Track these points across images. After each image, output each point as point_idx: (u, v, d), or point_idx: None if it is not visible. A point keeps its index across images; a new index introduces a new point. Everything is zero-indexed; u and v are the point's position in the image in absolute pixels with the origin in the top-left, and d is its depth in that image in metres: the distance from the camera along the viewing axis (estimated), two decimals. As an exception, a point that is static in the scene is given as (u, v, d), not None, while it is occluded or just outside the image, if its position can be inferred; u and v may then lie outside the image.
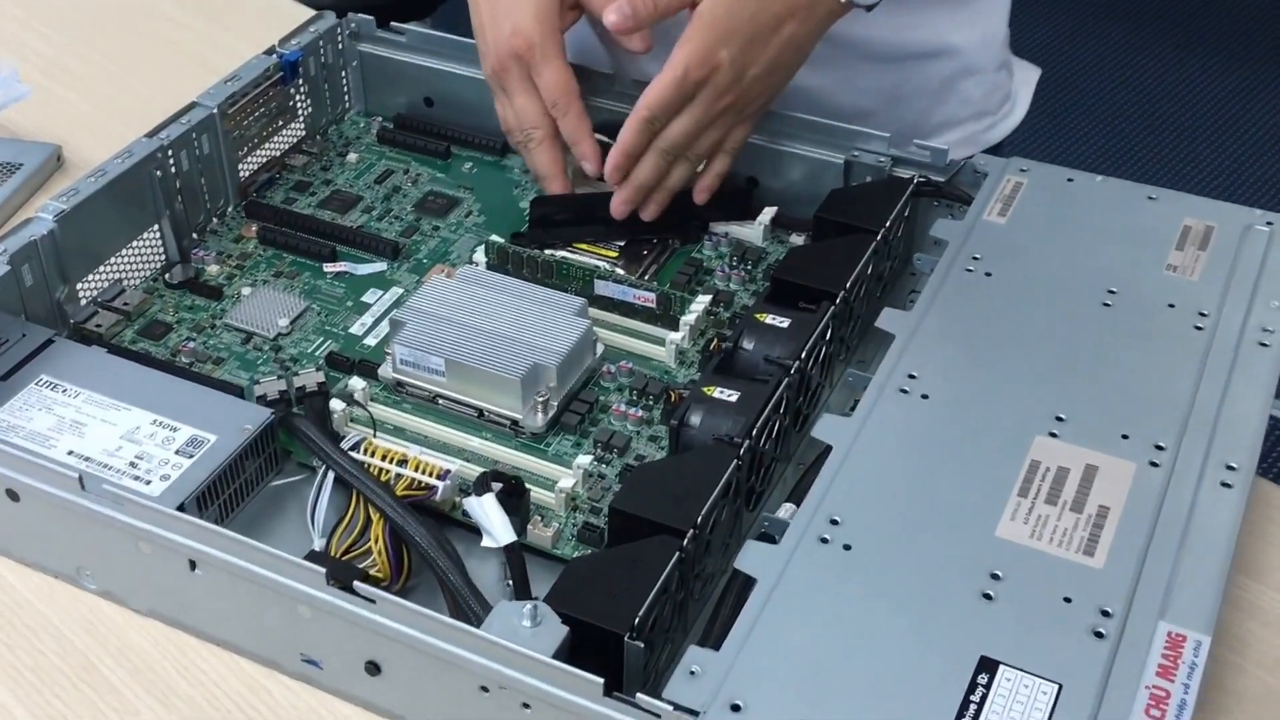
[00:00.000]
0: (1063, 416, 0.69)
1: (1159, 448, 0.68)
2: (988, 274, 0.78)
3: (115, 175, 0.89)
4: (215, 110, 0.95)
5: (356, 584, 0.64)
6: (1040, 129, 2.67)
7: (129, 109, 1.14)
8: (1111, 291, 0.77)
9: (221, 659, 0.72)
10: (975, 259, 0.79)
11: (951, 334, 0.74)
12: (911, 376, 0.72)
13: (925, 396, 0.71)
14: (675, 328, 0.87)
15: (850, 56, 0.98)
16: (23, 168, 1.06)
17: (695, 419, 0.74)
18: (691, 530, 0.66)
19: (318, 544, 0.74)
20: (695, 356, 0.86)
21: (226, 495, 0.77)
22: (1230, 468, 0.67)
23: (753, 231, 0.94)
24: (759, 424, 0.72)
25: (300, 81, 1.03)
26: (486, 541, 0.70)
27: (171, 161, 0.93)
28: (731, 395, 0.74)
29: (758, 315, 0.79)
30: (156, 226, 0.94)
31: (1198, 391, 0.71)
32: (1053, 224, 0.82)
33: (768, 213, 0.95)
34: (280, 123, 1.03)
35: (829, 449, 0.69)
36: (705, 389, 0.75)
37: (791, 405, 0.77)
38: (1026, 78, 1.11)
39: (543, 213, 0.94)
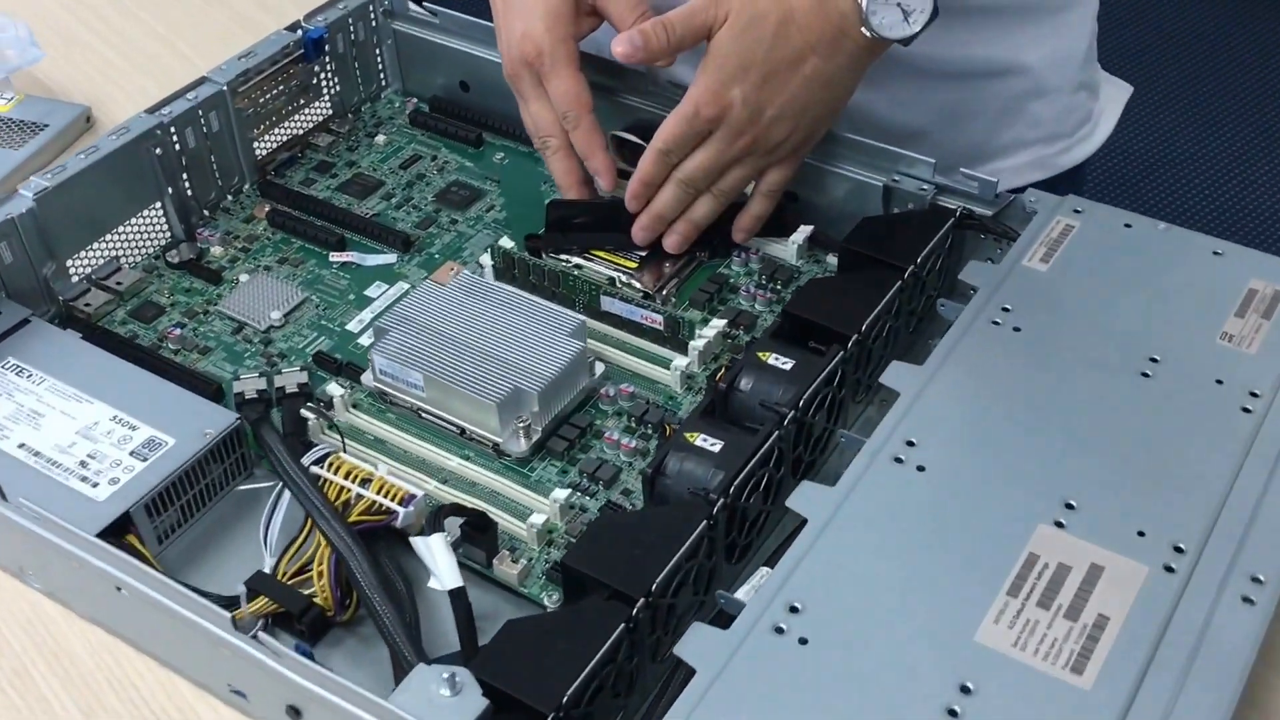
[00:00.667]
0: (1073, 503, 0.62)
1: (1178, 550, 0.60)
2: (1016, 329, 0.71)
3: (107, 152, 0.85)
4: (225, 87, 0.91)
5: (262, 635, 0.59)
6: (1139, 147, 2.39)
7: (172, 71, 1.10)
8: (1154, 360, 0.69)
9: (156, 675, 0.69)
10: (1005, 310, 0.72)
11: (963, 396, 0.67)
12: (910, 444, 0.65)
13: (921, 469, 0.64)
14: (684, 351, 0.80)
15: (904, 73, 0.91)
16: (48, 128, 1.02)
17: (671, 468, 0.68)
18: (643, 599, 0.60)
19: (268, 563, 0.70)
20: (705, 382, 0.80)
21: (184, 501, 0.73)
22: (1257, 580, 0.59)
23: (786, 249, 0.88)
24: (741, 478, 0.66)
25: (326, 59, 0.98)
26: (433, 583, 0.65)
27: (175, 138, 0.89)
28: (715, 444, 0.68)
29: (760, 353, 0.73)
30: (159, 204, 0.90)
31: (1233, 486, 0.63)
32: (1099, 276, 0.74)
33: (804, 231, 0.87)
34: (302, 100, 0.98)
35: (804, 522, 0.62)
36: (688, 434, 0.69)
37: (788, 456, 0.70)
38: (1114, 96, 1.01)
39: (561, 215, 0.88)
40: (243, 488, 0.76)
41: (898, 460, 0.64)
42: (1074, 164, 0.98)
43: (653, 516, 0.65)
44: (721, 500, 0.65)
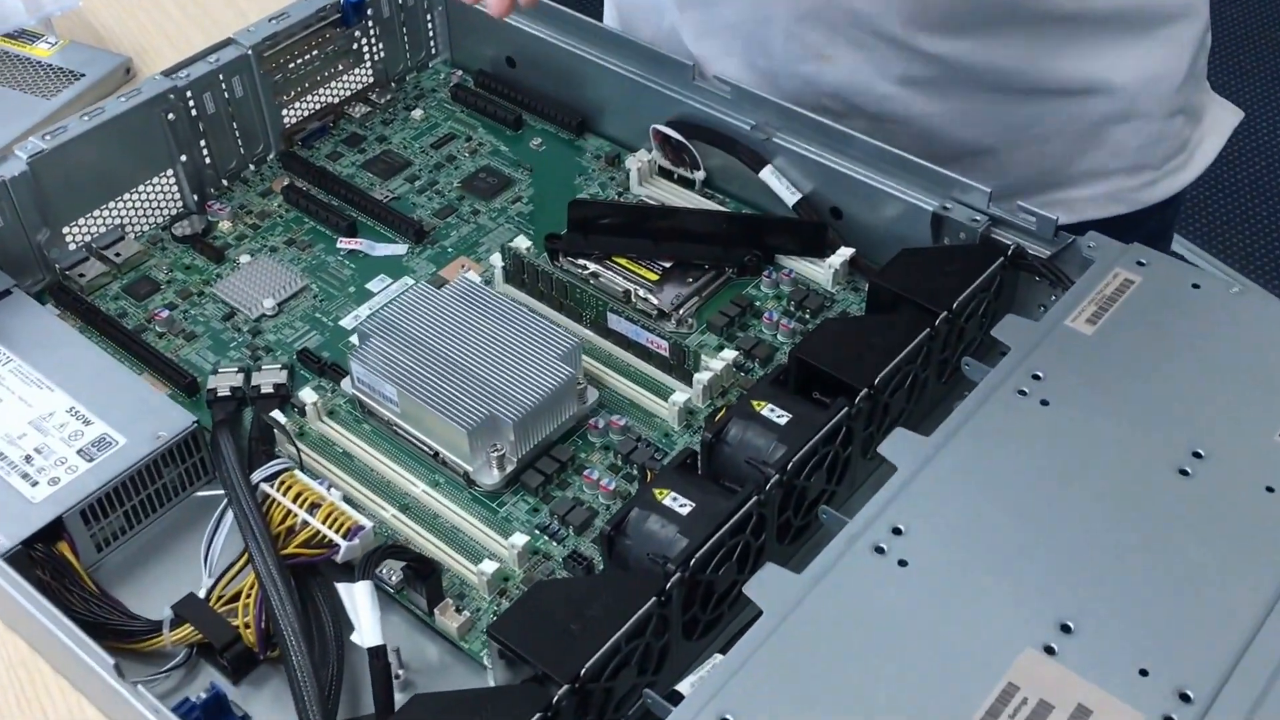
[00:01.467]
0: (1070, 625, 0.53)
1: (1184, 698, 0.51)
2: (1044, 402, 0.62)
3: (113, 115, 0.80)
4: (249, 51, 0.85)
5: (141, 688, 0.54)
6: (1244, 176, 2.11)
7: (225, 25, 1.05)
8: (1197, 455, 0.60)
9: (68, 700, 0.64)
10: (1036, 378, 0.63)
11: (968, 479, 0.59)
12: (896, 531, 0.57)
13: (903, 563, 0.56)
14: (690, 382, 0.73)
15: (971, 85, 0.81)
16: (85, 78, 0.99)
17: (633, 527, 0.61)
18: (568, 685, 0.54)
19: (205, 584, 0.65)
20: (705, 421, 0.72)
21: (128, 507, 0.68)
22: (1272, 743, 0.50)
23: (822, 272, 0.80)
24: (707, 548, 0.59)
25: (369, 23, 0.92)
26: (355, 636, 0.59)
27: (191, 103, 0.84)
28: (685, 505, 0.61)
29: (754, 402, 0.65)
30: (170, 171, 0.85)
31: (1264, 623, 0.53)
32: (1151, 345, 0.64)
33: (844, 253, 0.79)
34: (340, 67, 0.93)
35: (754, 620, 0.55)
36: (657, 491, 0.62)
37: (771, 522, 0.63)
38: (1220, 122, 0.90)
39: (583, 215, 0.81)
40: (203, 494, 0.71)
41: (878, 550, 0.56)
42: (1160, 199, 0.87)
43: (602, 584, 0.59)
44: (679, 574, 0.58)
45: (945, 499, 0.58)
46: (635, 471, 0.70)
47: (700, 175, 0.86)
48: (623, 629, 0.56)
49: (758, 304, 0.79)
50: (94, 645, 0.57)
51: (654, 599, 0.57)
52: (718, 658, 0.57)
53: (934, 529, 0.57)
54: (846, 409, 0.64)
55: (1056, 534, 0.57)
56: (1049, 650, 0.53)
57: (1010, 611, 0.54)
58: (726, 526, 0.60)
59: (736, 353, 0.74)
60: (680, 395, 0.72)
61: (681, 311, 0.78)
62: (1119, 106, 0.82)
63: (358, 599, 0.59)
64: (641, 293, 0.79)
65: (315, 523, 0.65)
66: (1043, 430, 0.61)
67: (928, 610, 0.54)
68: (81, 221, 0.82)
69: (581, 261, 0.81)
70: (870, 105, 0.84)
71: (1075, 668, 0.52)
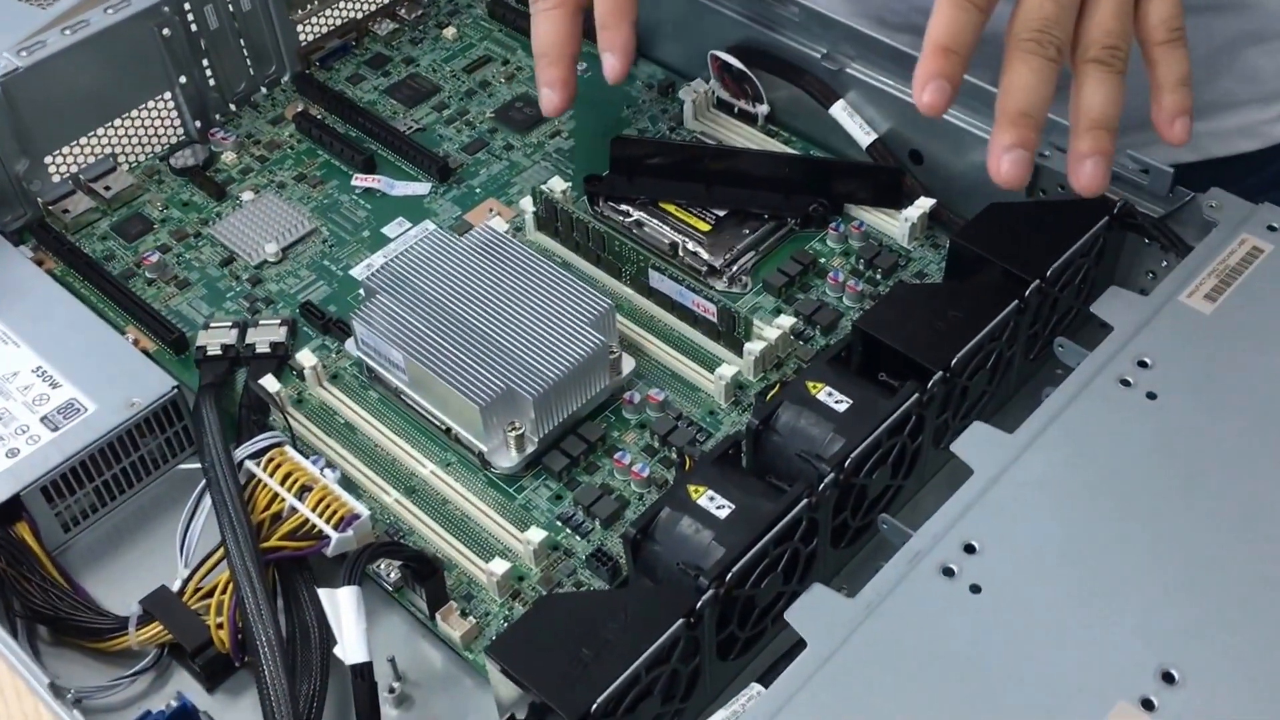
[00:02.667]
0: (1174, 675, 0.44)
1: (1317, 774, 0.42)
2: (1151, 395, 0.52)
3: (98, 30, 0.72)
4: (258, -42, 0.76)
5: (77, 711, 0.47)
6: None
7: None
8: (1339, 465, 0.50)
9: (24, 705, 0.57)
10: (1142, 365, 0.53)
11: (1056, 489, 0.49)
12: (969, 549, 0.48)
13: (976, 589, 0.47)
14: (739, 352, 0.64)
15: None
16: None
17: (663, 531, 0.52)
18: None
19: (180, 576, 0.57)
20: (756, 398, 0.63)
21: (99, 482, 0.61)
22: None
23: (897, 226, 0.70)
24: (748, 560, 0.50)
25: (396, -73, 0.83)
26: (338, 650, 0.51)
27: (190, 17, 0.75)
28: (723, 507, 0.52)
29: (810, 384, 0.56)
30: (168, 94, 0.76)
31: None
32: (1285, 328, 0.54)
33: (924, 204, 0.69)
34: (363, -24, 0.83)
35: (799, 644, 0.46)
36: (692, 488, 0.53)
37: (824, 525, 0.54)
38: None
39: (627, 154, 0.72)
40: (186, 466, 0.64)
41: (947, 572, 0.47)
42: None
43: (621, 600, 0.50)
44: (712, 590, 0.49)
45: (1029, 511, 0.49)
46: (674, 455, 0.61)
47: (763, 109, 0.76)
48: (643, 656, 0.47)
49: (822, 261, 0.69)
50: (28, 659, 0.49)
51: (682, 620, 0.48)
52: (755, 688, 0.49)
53: (1014, 548, 0.48)
54: (917, 395, 0.55)
55: (1163, 560, 0.47)
56: (1147, 705, 0.44)
57: (1103, 655, 0.45)
58: (771, 534, 0.51)
59: (795, 319, 0.65)
60: (728, 368, 0.63)
61: (735, 268, 0.69)
62: (1254, 25, 0.70)
63: (341, 608, 0.51)
64: (690, 245, 0.69)
65: (304, 509, 0.57)
66: (1149, 430, 0.51)
67: (1003, 649, 0.45)
68: (66, 150, 0.74)
69: (624, 207, 0.71)
70: None
71: (1184, 732, 0.43)
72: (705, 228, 0.70)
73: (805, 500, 0.52)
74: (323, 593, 0.52)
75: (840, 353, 0.58)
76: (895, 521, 0.51)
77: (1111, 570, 0.47)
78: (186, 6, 0.74)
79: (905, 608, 0.47)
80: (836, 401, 0.55)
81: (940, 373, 0.55)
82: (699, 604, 0.49)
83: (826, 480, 0.52)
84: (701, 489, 0.53)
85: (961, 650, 0.45)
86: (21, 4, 0.87)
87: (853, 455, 0.53)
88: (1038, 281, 0.58)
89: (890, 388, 0.56)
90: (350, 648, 0.51)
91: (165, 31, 0.74)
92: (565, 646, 0.48)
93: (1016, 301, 0.58)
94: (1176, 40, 0.54)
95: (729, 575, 0.49)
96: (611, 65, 0.65)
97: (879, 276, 0.68)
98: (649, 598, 0.50)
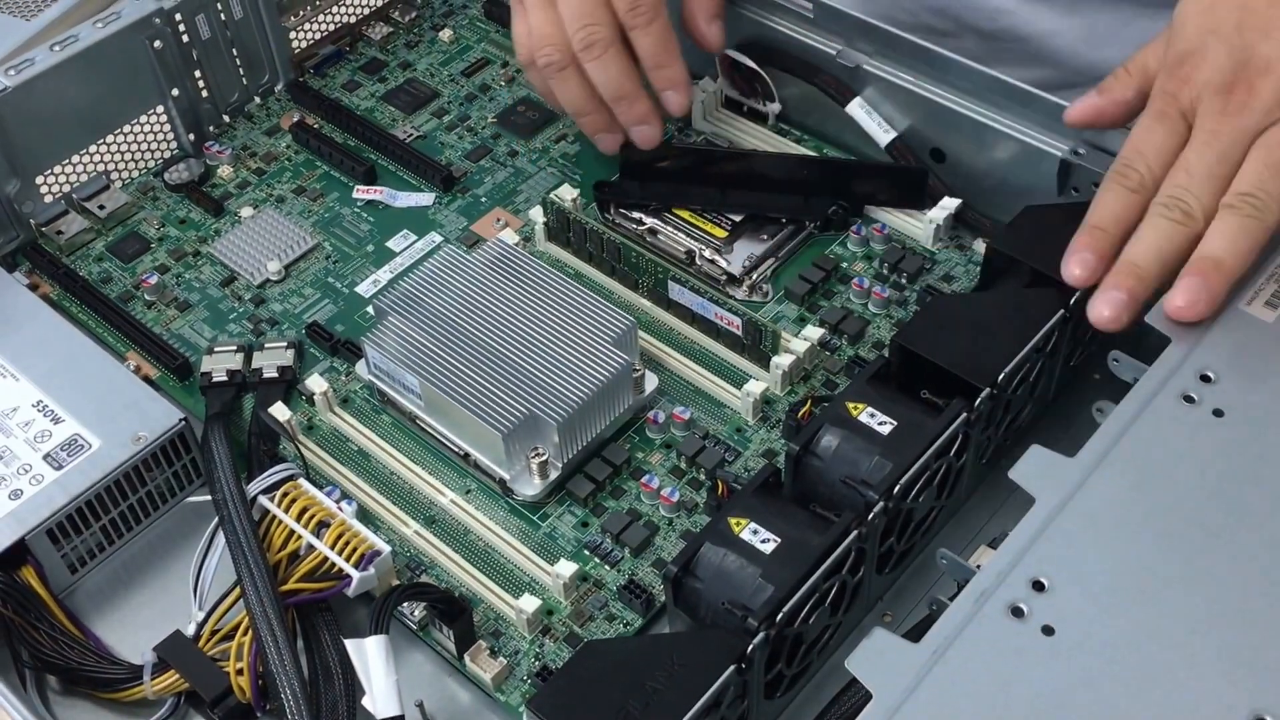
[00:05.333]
0: (1267, 719, 0.42)
1: None
2: (1217, 412, 0.50)
3: (88, 44, 0.69)
4: (248, -35, 0.73)
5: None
6: None
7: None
8: None
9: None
10: (1206, 379, 0.51)
11: (1127, 516, 0.47)
12: (1038, 586, 0.45)
13: (1049, 630, 0.44)
14: (766, 365, 0.62)
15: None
16: (70, -9, 0.87)
17: (706, 567, 0.50)
18: (626, 782, 0.43)
19: (195, 620, 0.55)
20: (784, 414, 0.61)
21: (106, 520, 0.58)
22: None
23: (922, 228, 0.67)
24: (798, 597, 0.48)
25: (388, -73, 0.80)
26: (367, 702, 0.49)
27: (182, 28, 0.72)
28: (768, 540, 0.50)
29: (851, 405, 0.53)
30: (160, 108, 0.73)
31: None
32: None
33: (949, 204, 0.67)
34: (356, -20, 0.80)
35: (849, 687, 0.44)
36: (733, 521, 0.50)
37: (871, 555, 0.52)
38: None
39: (637, 158, 0.69)
40: (196, 499, 0.61)
41: (1016, 613, 0.45)
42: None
43: (666, 646, 0.48)
44: (764, 632, 0.47)
45: (1098, 543, 0.46)
46: (703, 477, 0.59)
47: (775, 108, 0.73)
48: (694, 709, 0.45)
49: (844, 266, 0.67)
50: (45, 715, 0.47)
51: (733, 667, 0.46)
52: (810, 736, 0.47)
53: (1086, 584, 0.45)
54: (965, 414, 0.52)
55: (1247, 592, 0.45)
56: (1238, 751, 0.42)
57: (1190, 699, 0.43)
58: (822, 569, 0.48)
59: (821, 330, 0.62)
60: (756, 384, 0.60)
61: (755, 276, 0.66)
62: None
63: (370, 659, 0.49)
64: (707, 253, 0.67)
65: (323, 548, 0.54)
66: (1218, 450, 0.49)
67: (1082, 695, 0.43)
68: (58, 169, 0.71)
69: (636, 215, 0.69)
70: (984, 21, 0.71)
71: (1273, 776, 0.41)
72: (722, 234, 0.68)
73: (855, 531, 0.49)
74: (350, 644, 0.49)
75: (880, 369, 0.55)
76: (955, 557, 0.49)
77: (1193, 605, 0.44)
78: (178, 17, 0.71)
79: (974, 652, 0.44)
80: (880, 423, 0.53)
81: (987, 389, 0.53)
82: (750, 648, 0.46)
83: (875, 509, 0.50)
84: (743, 521, 0.50)
85: (1036, 697, 0.43)
86: (4, 15, 0.84)
87: (901, 481, 0.51)
88: (1080, 291, 0.56)
89: (934, 405, 0.54)
90: (381, 700, 0.48)
91: (156, 44, 0.71)
92: (611, 698, 0.45)
93: (1063, 311, 0.55)
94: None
95: (779, 615, 0.47)
96: (678, 102, 0.66)
97: (904, 281, 0.66)
98: (696, 643, 0.47)
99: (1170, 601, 0.44)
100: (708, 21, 0.68)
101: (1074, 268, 0.53)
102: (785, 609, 0.47)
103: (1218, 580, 0.45)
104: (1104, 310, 0.52)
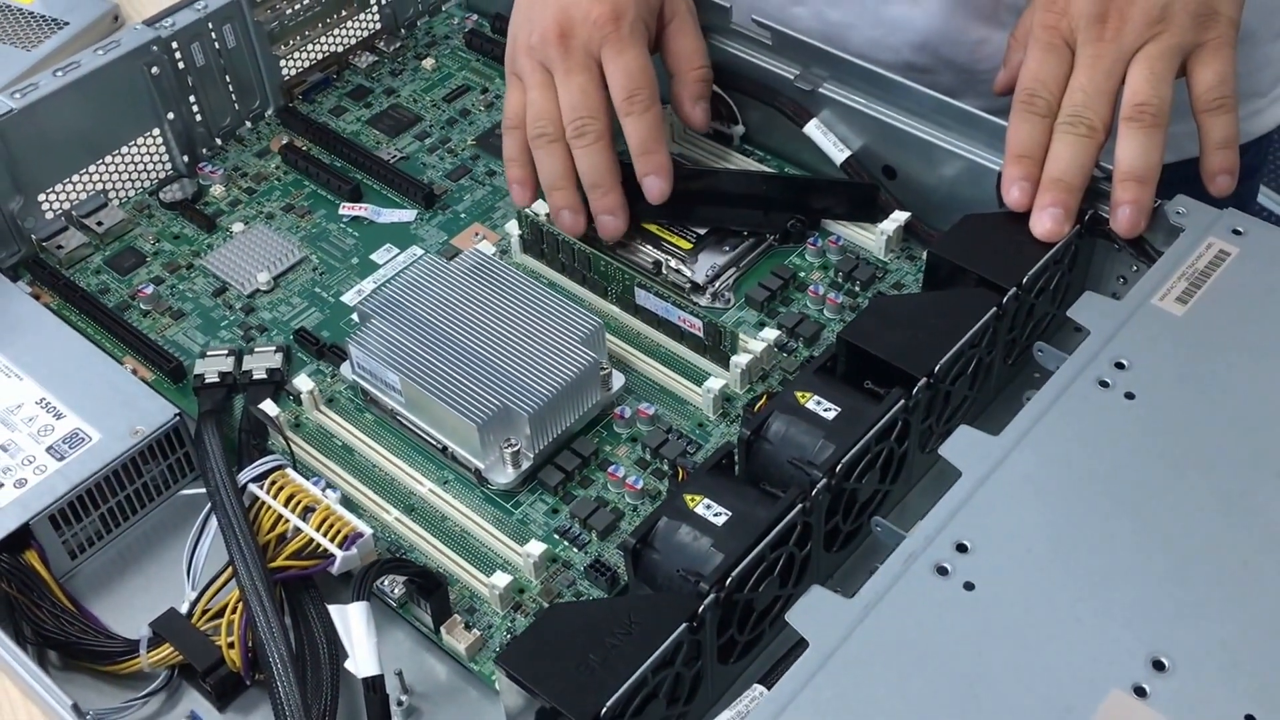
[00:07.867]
0: (1164, 662, 0.46)
1: (1302, 749, 0.44)
2: (1129, 395, 0.54)
3: (90, 70, 0.73)
4: (241, -4, 0.78)
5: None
6: None
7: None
8: (1310, 457, 0.52)
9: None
10: (1119, 366, 0.55)
11: (1043, 486, 0.51)
12: (961, 548, 0.50)
13: (970, 586, 0.49)
14: (726, 365, 0.66)
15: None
16: (68, 26, 0.91)
17: (662, 539, 0.54)
18: (587, 726, 0.47)
19: (188, 597, 0.59)
20: (743, 410, 0.65)
21: (105, 509, 0.62)
22: None
23: (874, 239, 0.72)
24: (746, 564, 0.52)
25: (373, -36, 0.85)
26: (349, 664, 0.53)
27: (178, 55, 0.76)
28: (720, 514, 0.54)
29: (799, 394, 0.58)
30: (156, 131, 0.78)
31: (1394, 658, 0.46)
32: (1252, 328, 0.57)
33: (899, 218, 0.71)
34: (344, 13, 0.85)
35: (798, 644, 0.48)
36: (688, 497, 0.54)
37: (818, 530, 0.56)
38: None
39: (609, 178, 0.73)
40: (188, 492, 0.65)
41: (941, 571, 0.49)
42: (1266, 130, 0.78)
43: (625, 607, 0.51)
44: (713, 594, 0.51)
45: (1017, 510, 0.51)
46: (666, 468, 0.63)
47: (738, 130, 0.78)
48: (649, 660, 0.49)
49: (801, 275, 0.71)
50: (49, 681, 0.51)
51: (685, 625, 0.50)
52: (758, 689, 0.51)
53: (1005, 546, 0.50)
54: (903, 401, 0.57)
55: (1148, 552, 0.49)
56: (1139, 692, 0.46)
57: (1095, 645, 0.47)
58: (768, 539, 0.52)
59: (778, 332, 0.67)
60: (716, 381, 0.65)
61: (717, 284, 0.71)
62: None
63: (352, 623, 0.53)
64: (673, 264, 0.71)
65: (309, 530, 0.58)
66: (1129, 429, 0.53)
67: (998, 643, 0.47)
68: (59, 188, 0.75)
69: (607, 229, 0.73)
70: (962, 55, 0.76)
71: (1170, 712, 0.45)
72: (687, 246, 0.72)
73: (799, 505, 0.53)
74: (333, 609, 0.53)
75: (826, 363, 0.59)
76: (888, 524, 0.53)
77: (1099, 564, 0.49)
78: (175, 45, 0.76)
79: (902, 606, 0.48)
80: (825, 410, 0.57)
81: (924, 379, 0.57)
82: (701, 608, 0.50)
83: (819, 485, 0.54)
84: (698, 498, 0.54)
85: (958, 645, 0.47)
86: (6, 46, 0.89)
87: (843, 460, 0.55)
88: (1014, 289, 0.60)
89: (876, 395, 0.58)
90: (362, 661, 0.52)
91: (154, 70, 0.75)
92: (572, 653, 0.49)
93: (994, 308, 0.60)
94: (1219, 108, 0.61)
95: (729, 580, 0.51)
96: (659, 189, 0.70)
97: (858, 289, 0.70)
98: (651, 604, 0.51)
99: (1079, 561, 0.49)
100: (692, 104, 0.73)
101: (1013, 192, 0.61)
102: (735, 574, 0.51)
103: (1123, 542, 0.49)
104: (1046, 223, 0.60)
